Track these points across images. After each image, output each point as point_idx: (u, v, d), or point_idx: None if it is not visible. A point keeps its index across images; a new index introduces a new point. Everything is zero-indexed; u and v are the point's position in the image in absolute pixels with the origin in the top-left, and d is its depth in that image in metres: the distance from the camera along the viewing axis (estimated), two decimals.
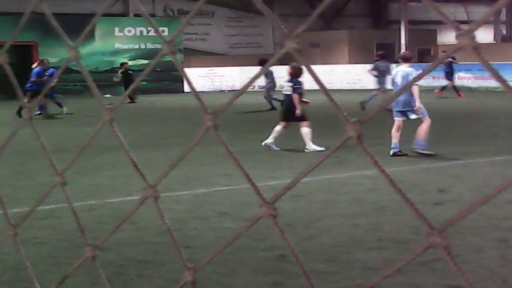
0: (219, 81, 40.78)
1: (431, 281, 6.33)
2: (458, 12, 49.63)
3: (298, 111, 14.74)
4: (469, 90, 33.36)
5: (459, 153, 13.78)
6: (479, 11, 48.09)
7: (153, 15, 42.16)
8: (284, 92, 15.40)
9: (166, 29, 40.98)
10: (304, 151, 14.56)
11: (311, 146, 14.58)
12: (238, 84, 40.33)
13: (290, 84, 15.09)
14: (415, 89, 13.52)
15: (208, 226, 8.51)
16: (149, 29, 40.76)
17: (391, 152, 13.74)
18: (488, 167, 12.22)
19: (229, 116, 22.97)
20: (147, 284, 6.55)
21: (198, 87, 38.70)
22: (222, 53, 44.72)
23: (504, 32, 47.12)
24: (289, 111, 14.98)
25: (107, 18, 39.37)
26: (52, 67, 27.04)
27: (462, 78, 34.26)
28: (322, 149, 14.22)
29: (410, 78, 13.17)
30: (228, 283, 6.54)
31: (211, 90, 39.58)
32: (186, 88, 40.21)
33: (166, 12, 42.88)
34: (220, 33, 44.96)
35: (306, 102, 15.08)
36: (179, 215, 9.19)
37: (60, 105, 25.93)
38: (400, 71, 14.15)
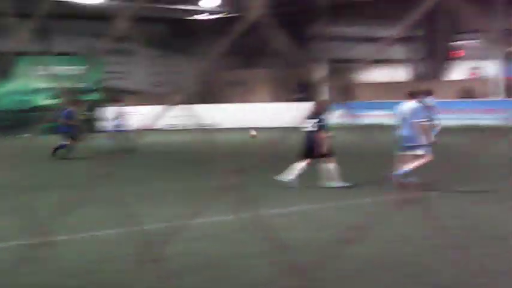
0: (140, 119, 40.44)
1: None
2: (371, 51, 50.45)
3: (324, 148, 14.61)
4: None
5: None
6: (393, 49, 49.14)
7: (75, 54, 41.82)
8: (307, 129, 14.98)
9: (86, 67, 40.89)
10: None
11: (336, 183, 14.44)
12: (159, 123, 40.02)
13: (314, 121, 14.84)
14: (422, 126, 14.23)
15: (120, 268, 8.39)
16: (71, 67, 40.49)
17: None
18: None
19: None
20: None
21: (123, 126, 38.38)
22: (145, 91, 44.49)
23: (418, 69, 48.19)
24: (312, 148, 14.79)
25: (28, 57, 38.99)
26: None
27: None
28: (347, 184, 14.34)
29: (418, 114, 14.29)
30: None
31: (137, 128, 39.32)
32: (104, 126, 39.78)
33: (89, 51, 42.59)
34: (142, 71, 44.89)
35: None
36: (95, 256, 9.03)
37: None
38: (408, 107, 14.49)
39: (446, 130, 30.56)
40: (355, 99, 41.69)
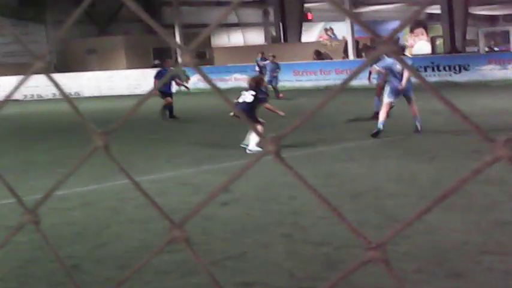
0: None
1: (225, 279, 6.56)
2: (231, 15, 50.88)
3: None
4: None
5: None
6: (248, 13, 49.61)
7: None
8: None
9: None
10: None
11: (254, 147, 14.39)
12: (16, 94, 39.09)
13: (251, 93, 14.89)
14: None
15: None
16: None
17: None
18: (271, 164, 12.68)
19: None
20: None
21: None
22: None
23: (274, 33, 48.84)
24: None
25: None
26: None
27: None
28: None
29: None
30: None
31: None
32: None
33: None
34: None
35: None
36: None
37: None
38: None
39: (303, 91, 31.41)
40: (210, 63, 41.92)
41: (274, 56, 30.37)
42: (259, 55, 32.53)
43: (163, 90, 21.54)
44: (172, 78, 21.94)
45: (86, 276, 6.89)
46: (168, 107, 22.41)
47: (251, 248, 7.65)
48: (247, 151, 14.21)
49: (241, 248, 7.68)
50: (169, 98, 22.22)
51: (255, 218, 8.87)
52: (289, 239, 8.03)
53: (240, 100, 14.86)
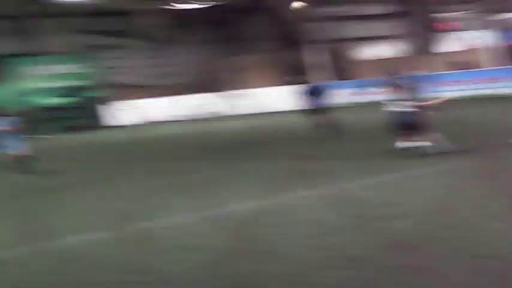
0: (145, 113, 40.55)
1: None
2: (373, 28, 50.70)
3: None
4: None
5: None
6: (378, 27, 49.48)
7: (67, 53, 41.88)
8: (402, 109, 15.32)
9: (87, 65, 41.08)
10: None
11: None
12: (169, 115, 40.09)
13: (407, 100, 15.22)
14: None
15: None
16: (65, 66, 40.65)
17: None
18: None
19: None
20: None
21: (129, 120, 38.72)
22: (145, 84, 44.44)
23: (413, 44, 48.33)
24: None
25: (22, 58, 39.16)
26: None
27: None
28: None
29: None
30: None
31: (142, 122, 39.66)
32: (113, 122, 39.97)
33: (81, 49, 42.61)
34: (140, 65, 44.91)
35: None
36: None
37: None
38: None
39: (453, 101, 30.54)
40: (355, 77, 41.81)
41: (412, 68, 29.73)
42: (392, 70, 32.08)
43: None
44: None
45: None
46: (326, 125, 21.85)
47: None
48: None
49: None
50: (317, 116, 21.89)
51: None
52: None
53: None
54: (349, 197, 11.35)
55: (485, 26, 37.88)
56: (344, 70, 43.73)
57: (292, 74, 40.94)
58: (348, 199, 11.16)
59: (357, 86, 36.34)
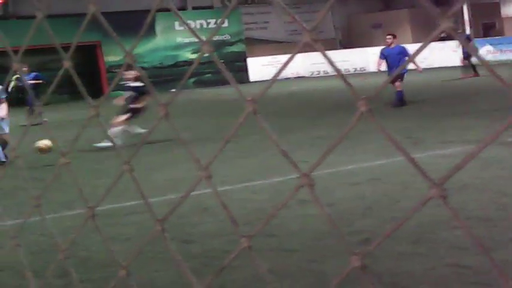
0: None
1: None
2: None
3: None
4: None
5: None
6: None
7: (211, 7, 42.30)
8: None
9: (226, 20, 41.17)
10: None
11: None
12: (302, 71, 40.19)
13: None
14: None
15: (290, 214, 8.48)
16: (209, 21, 41.00)
17: None
18: None
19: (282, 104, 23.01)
20: (236, 273, 6.55)
21: (263, 76, 38.75)
22: (283, 40, 44.60)
23: None
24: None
25: (166, 14, 39.67)
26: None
27: None
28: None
29: None
30: (318, 270, 6.53)
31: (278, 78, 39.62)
32: (252, 78, 40.31)
33: (224, 3, 42.95)
34: (279, 21, 44.87)
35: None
36: (258, 205, 9.21)
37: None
38: None
39: None
40: (500, 34, 40.36)
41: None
42: None
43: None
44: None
45: (378, 250, 6.82)
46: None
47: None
48: None
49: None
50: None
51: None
52: None
53: None
54: None
55: None
56: (492, 26, 42.21)
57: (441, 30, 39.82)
58: None
59: (502, 43, 35.00)
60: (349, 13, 45.38)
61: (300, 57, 39.99)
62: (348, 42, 43.22)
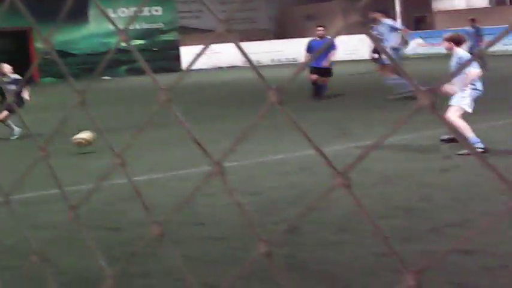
0: (216, 58, 40.70)
1: (445, 246, 6.39)
2: None
3: None
4: None
5: None
6: None
7: None
8: None
9: (159, 8, 41.05)
10: None
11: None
12: (236, 61, 40.21)
13: None
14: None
15: (218, 203, 8.54)
16: (143, 8, 40.72)
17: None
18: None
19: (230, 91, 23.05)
20: (166, 261, 6.58)
21: (196, 65, 38.59)
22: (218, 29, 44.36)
23: None
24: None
25: (99, 0, 39.26)
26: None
27: None
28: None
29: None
30: (242, 257, 6.60)
31: (210, 67, 39.55)
32: (184, 66, 40.20)
33: None
34: (214, 9, 44.69)
35: None
36: (186, 193, 9.22)
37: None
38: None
39: None
40: (430, 28, 40.99)
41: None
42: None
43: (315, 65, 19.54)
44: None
45: (305, 238, 6.93)
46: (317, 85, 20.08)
47: (473, 215, 7.39)
48: None
49: (462, 216, 7.44)
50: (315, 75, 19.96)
51: (478, 186, 8.56)
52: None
53: None
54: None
55: None
56: (423, 19, 42.83)
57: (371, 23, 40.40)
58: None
59: (433, 37, 35.58)
60: (283, 4, 45.57)
61: (232, 46, 39.98)
62: (282, 33, 43.40)
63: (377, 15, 18.74)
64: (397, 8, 40.09)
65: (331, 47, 19.56)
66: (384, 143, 11.58)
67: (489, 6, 46.79)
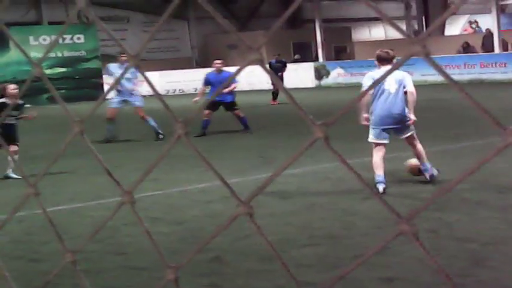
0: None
1: (366, 275, 6.46)
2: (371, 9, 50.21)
3: None
4: None
5: None
6: (390, 7, 48.87)
7: (68, 23, 41.68)
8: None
9: (82, 36, 40.73)
10: None
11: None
12: (159, 88, 40.07)
13: None
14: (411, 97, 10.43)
15: (141, 232, 8.44)
16: (65, 36, 40.38)
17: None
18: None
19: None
20: None
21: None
22: (140, 58, 44.24)
23: (416, 26, 47.97)
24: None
25: (20, 28, 38.87)
26: None
27: None
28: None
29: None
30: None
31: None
32: (108, 95, 39.86)
33: (81, 19, 42.35)
34: (136, 38, 44.64)
35: None
36: (110, 222, 9.12)
37: None
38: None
39: (447, 85, 30.51)
40: (351, 58, 41.62)
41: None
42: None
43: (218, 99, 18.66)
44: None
45: (228, 267, 6.93)
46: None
47: (394, 243, 7.49)
48: None
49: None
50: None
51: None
52: (434, 235, 7.83)
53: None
54: None
55: (492, 10, 37.20)
56: (343, 49, 43.50)
57: (297, 52, 40.84)
58: None
59: (353, 67, 36.16)
60: (205, 33, 45.71)
61: (156, 75, 39.93)
62: (204, 62, 43.45)
63: None
64: (318, 38, 40.56)
65: (232, 81, 19.01)
66: (308, 171, 11.72)
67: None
